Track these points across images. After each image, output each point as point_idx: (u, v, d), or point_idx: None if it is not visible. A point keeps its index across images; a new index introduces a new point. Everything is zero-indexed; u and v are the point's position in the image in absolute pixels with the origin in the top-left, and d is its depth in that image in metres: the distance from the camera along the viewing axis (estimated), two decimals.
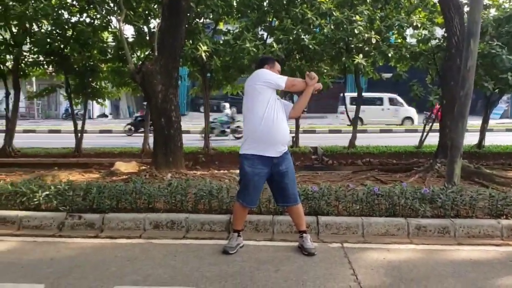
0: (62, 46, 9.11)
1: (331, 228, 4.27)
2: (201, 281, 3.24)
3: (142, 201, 4.68)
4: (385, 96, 20.89)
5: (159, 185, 4.91)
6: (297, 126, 10.06)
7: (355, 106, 10.16)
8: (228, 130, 15.97)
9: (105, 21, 9.13)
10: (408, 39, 9.86)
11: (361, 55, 8.75)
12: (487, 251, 3.89)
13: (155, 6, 8.96)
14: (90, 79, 9.71)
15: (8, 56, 9.60)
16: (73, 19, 9.14)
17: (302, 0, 9.25)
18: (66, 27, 9.02)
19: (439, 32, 9.16)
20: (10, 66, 9.66)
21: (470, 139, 8.09)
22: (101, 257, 3.71)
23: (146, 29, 9.17)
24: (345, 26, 8.70)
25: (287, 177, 3.80)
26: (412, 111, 20.64)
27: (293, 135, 9.47)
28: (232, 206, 4.49)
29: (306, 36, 8.89)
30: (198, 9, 9.04)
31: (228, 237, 4.10)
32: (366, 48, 9.11)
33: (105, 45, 9.48)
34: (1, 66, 9.60)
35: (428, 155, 8.79)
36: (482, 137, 9.62)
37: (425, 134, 9.84)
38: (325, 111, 25.72)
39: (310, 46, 8.64)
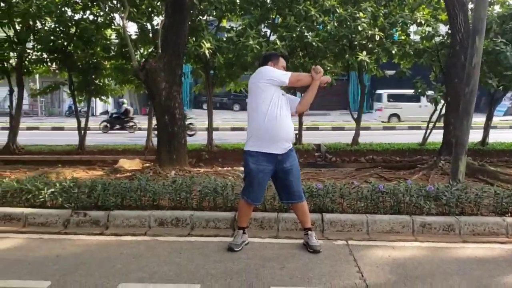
0: (65, 43, 9.11)
1: (336, 225, 4.27)
2: (207, 278, 3.25)
3: (147, 199, 4.69)
4: None
5: (163, 182, 4.92)
6: (300, 123, 10.06)
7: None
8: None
9: (108, 18, 9.12)
10: (412, 36, 9.84)
11: (364, 52, 8.73)
12: (492, 249, 3.88)
13: (158, 3, 8.94)
14: (94, 77, 9.72)
15: (11, 54, 9.61)
16: (77, 17, 9.14)
17: None
18: (70, 24, 9.02)
19: (443, 29, 9.13)
20: (13, 64, 9.66)
21: (473, 136, 8.06)
22: (106, 254, 3.73)
23: (149, 27, 9.17)
24: (348, 23, 8.68)
25: (291, 174, 3.79)
26: None
27: (296, 132, 9.47)
28: (237, 203, 4.50)
29: (310, 33, 8.87)
30: (201, 6, 9.02)
31: (233, 234, 4.11)
32: (370, 45, 9.08)
33: (108, 42, 9.47)
34: (5, 63, 9.60)
35: (432, 152, 8.78)
36: (486, 134, 9.60)
37: (428, 131, 9.82)
38: (328, 108, 25.68)
39: (314, 43, 8.61)
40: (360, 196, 4.52)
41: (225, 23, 10.09)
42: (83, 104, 11.28)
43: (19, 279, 3.24)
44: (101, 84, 10.05)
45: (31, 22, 9.05)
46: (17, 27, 9.21)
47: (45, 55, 9.53)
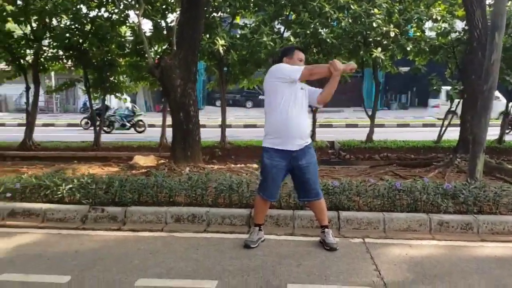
0: (81, 40, 9.20)
1: (352, 223, 4.25)
2: (224, 274, 3.26)
3: (163, 195, 4.72)
4: None
5: (179, 179, 4.95)
6: (314, 120, 10.03)
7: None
8: (128, 124, 16.30)
9: (123, 15, 9.19)
10: (427, 33, 9.74)
11: (379, 49, 8.67)
12: None
13: (172, 1, 8.98)
14: (108, 74, 9.80)
15: (28, 51, 9.75)
16: (92, 14, 9.21)
17: None
18: (85, 21, 9.11)
19: (459, 25, 9.02)
20: (30, 61, 9.79)
21: (489, 133, 7.98)
22: (124, 250, 3.76)
23: (163, 24, 9.21)
24: (363, 19, 8.62)
25: (308, 172, 3.77)
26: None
27: (310, 129, 9.44)
28: (252, 200, 4.52)
29: (324, 29, 8.84)
30: (215, 3, 9.04)
31: (248, 231, 4.12)
32: (385, 42, 9.02)
33: (123, 39, 9.55)
34: (22, 60, 9.75)
35: (447, 150, 8.69)
36: (502, 132, 9.47)
37: (443, 128, 9.72)
38: (341, 105, 25.55)
39: (328, 40, 8.58)
40: (377, 194, 4.50)
41: (238, 20, 10.11)
42: (98, 101, 11.37)
43: (39, 273, 3.27)
44: (116, 81, 10.14)
45: (47, 20, 9.17)
46: (34, 25, 9.34)
47: (60, 52, 9.63)
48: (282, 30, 9.65)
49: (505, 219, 4.19)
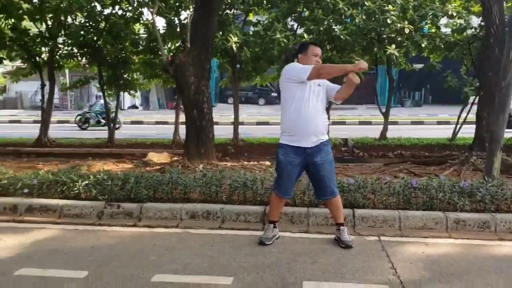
0: (95, 38, 9.28)
1: (368, 221, 4.23)
2: (239, 271, 3.27)
3: (178, 192, 4.74)
4: None
5: (194, 176, 4.97)
6: (327, 117, 9.97)
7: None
8: (103, 121, 16.24)
9: (136, 13, 9.24)
10: (442, 29, 9.61)
11: (393, 46, 8.58)
12: None
13: None
14: (122, 71, 9.87)
15: (43, 48, 9.86)
16: (106, 11, 9.29)
17: None
18: (99, 19, 9.19)
19: (475, 21, 8.89)
20: (45, 58, 9.90)
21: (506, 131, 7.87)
22: (140, 246, 3.80)
23: (176, 21, 9.24)
24: (377, 16, 8.54)
25: (323, 169, 3.75)
26: None
27: (327, 125, 9.41)
28: (266, 197, 4.54)
29: (337, 26, 8.77)
30: (229, 0, 9.04)
31: (263, 228, 4.12)
32: (399, 38, 8.92)
33: (137, 37, 9.61)
34: (37, 58, 9.86)
35: (462, 147, 8.59)
36: None
37: (458, 126, 9.61)
38: (355, 103, 25.38)
39: (341, 37, 8.52)
40: (392, 191, 4.46)
41: (251, 17, 10.08)
42: (111, 98, 11.47)
43: (57, 268, 3.32)
44: (129, 78, 10.21)
45: (62, 18, 9.28)
46: (49, 23, 9.44)
47: (75, 50, 9.73)
48: (295, 27, 9.60)
49: None
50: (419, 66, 10.41)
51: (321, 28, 8.64)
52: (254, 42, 8.84)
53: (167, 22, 9.22)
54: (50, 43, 9.38)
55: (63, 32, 9.50)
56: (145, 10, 9.18)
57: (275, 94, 29.43)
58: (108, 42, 9.30)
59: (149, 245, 3.81)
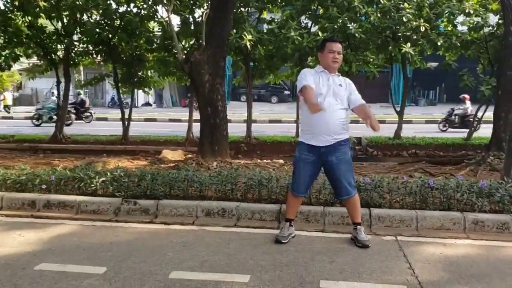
0: (110, 36, 9.36)
1: (384, 220, 4.20)
2: (256, 269, 3.27)
3: (194, 189, 4.77)
4: None
5: (210, 174, 4.99)
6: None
7: None
8: (55, 117, 16.37)
9: (151, 11, 9.28)
10: (459, 27, 9.51)
11: (408, 44, 8.52)
12: None
13: None
14: (137, 68, 9.94)
15: (59, 46, 9.97)
16: (121, 9, 9.36)
17: None
18: (115, 17, 9.26)
19: (493, 19, 8.78)
20: (61, 56, 10.02)
21: None
22: (157, 242, 3.82)
23: (191, 19, 9.26)
24: (392, 14, 8.50)
25: (338, 169, 3.72)
26: None
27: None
28: (281, 196, 4.56)
29: (352, 24, 8.74)
30: None
31: (278, 226, 4.13)
32: (414, 37, 8.85)
33: (151, 35, 9.66)
34: (53, 55, 9.98)
35: (477, 147, 8.51)
36: None
37: (474, 125, 9.51)
38: (368, 101, 25.19)
39: (356, 35, 8.50)
40: (409, 191, 4.43)
41: (265, 15, 10.08)
42: (125, 95, 11.56)
43: (76, 264, 3.35)
44: (144, 76, 10.27)
45: (78, 15, 9.35)
46: (65, 20, 9.54)
47: (90, 47, 9.83)
48: (309, 24, 9.58)
49: None
50: (434, 64, 10.31)
51: (336, 26, 8.61)
52: (268, 40, 8.84)
53: (182, 20, 9.25)
54: (66, 41, 9.48)
55: (78, 30, 9.59)
56: (159, 7, 9.22)
57: (288, 92, 29.39)
58: (123, 39, 9.37)
59: (166, 242, 3.83)
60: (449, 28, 9.29)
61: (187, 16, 9.13)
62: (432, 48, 8.98)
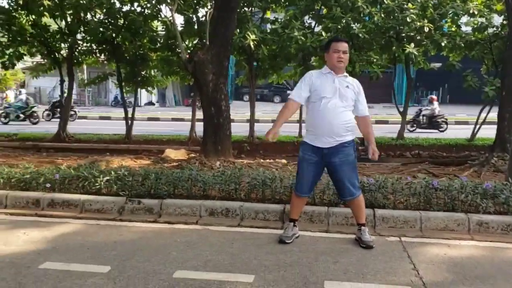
0: (114, 35, 9.37)
1: (388, 221, 4.20)
2: (260, 269, 3.27)
3: (197, 188, 4.76)
4: None
5: (213, 173, 4.99)
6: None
7: None
8: (22, 116, 16.59)
9: (155, 10, 9.29)
10: (463, 28, 9.49)
11: (412, 44, 8.51)
12: None
13: None
14: (140, 68, 9.95)
15: (63, 45, 9.99)
16: (125, 8, 9.37)
17: None
18: (118, 16, 9.28)
19: (497, 19, 8.75)
20: (64, 54, 10.03)
21: None
22: (161, 242, 3.82)
23: (194, 18, 9.27)
24: (396, 14, 8.48)
25: (341, 170, 3.71)
26: None
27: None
28: (285, 196, 4.56)
29: (356, 24, 8.72)
30: None
31: (282, 226, 4.13)
32: (418, 37, 8.84)
33: (155, 34, 9.67)
34: (56, 54, 9.99)
35: (481, 148, 8.50)
36: None
37: (477, 126, 9.48)
38: (371, 101, 25.19)
39: (360, 35, 8.48)
40: (413, 192, 4.42)
41: (269, 15, 10.09)
42: (128, 94, 11.57)
43: (80, 263, 3.36)
44: (147, 75, 10.28)
45: (81, 14, 9.37)
46: (69, 19, 9.56)
47: (94, 46, 9.83)
48: (313, 24, 9.58)
49: None
50: (437, 65, 10.29)
51: (339, 26, 8.60)
52: (271, 39, 8.85)
53: (185, 19, 9.26)
54: (69, 40, 9.50)
55: (82, 29, 9.62)
56: (163, 7, 9.23)
57: (291, 92, 29.36)
58: (127, 39, 9.38)
59: (170, 241, 3.84)
60: (453, 29, 9.27)
61: (190, 15, 9.14)
62: (436, 48, 8.97)
